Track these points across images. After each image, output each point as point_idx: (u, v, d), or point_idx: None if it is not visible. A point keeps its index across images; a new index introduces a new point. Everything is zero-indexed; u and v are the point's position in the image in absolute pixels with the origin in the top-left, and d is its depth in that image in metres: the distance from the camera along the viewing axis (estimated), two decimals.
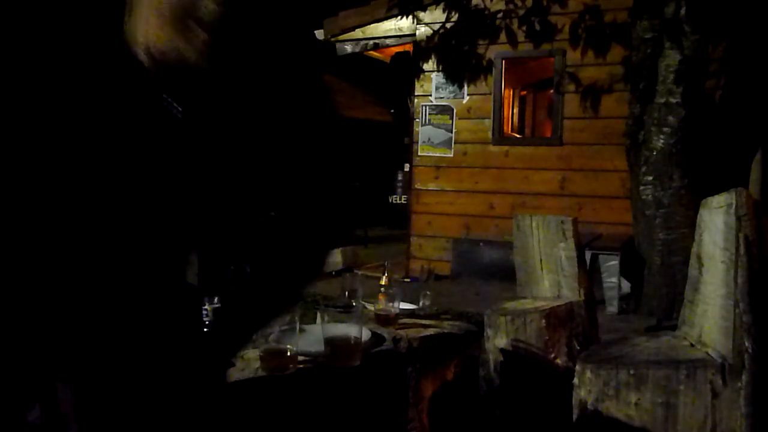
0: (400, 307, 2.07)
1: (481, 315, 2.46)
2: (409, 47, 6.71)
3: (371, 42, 6.75)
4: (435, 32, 6.24)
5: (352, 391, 1.73)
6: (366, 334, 1.75)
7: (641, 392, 1.72)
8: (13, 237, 0.71)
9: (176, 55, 0.72)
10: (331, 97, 0.94)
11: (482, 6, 5.90)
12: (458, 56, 6.20)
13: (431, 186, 6.50)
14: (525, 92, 8.51)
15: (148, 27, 0.73)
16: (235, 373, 1.49)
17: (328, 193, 0.93)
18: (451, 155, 6.38)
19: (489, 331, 2.45)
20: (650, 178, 4.52)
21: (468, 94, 6.35)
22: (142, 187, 0.78)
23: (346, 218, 0.98)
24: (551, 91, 6.20)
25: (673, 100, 4.39)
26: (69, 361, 0.84)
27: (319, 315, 1.79)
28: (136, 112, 0.76)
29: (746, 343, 1.65)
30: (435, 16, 6.23)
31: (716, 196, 1.83)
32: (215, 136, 0.82)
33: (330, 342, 1.60)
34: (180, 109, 0.77)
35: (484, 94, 6.26)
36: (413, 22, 6.37)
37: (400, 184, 10.18)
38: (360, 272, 5.75)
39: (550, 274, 2.72)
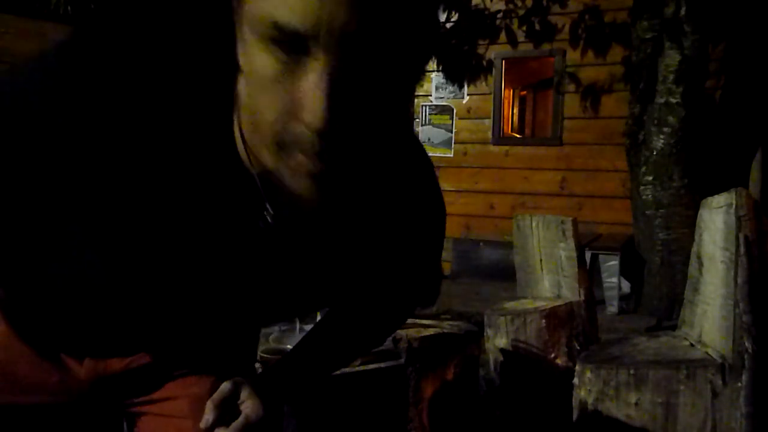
0: None
1: (481, 315, 2.46)
2: None
3: None
4: None
5: (352, 391, 1.73)
6: None
7: (641, 392, 1.72)
8: None
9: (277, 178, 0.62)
10: None
11: (482, 6, 5.90)
12: (458, 56, 6.19)
13: None
14: (525, 92, 8.50)
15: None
16: None
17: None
18: (451, 155, 6.38)
19: (489, 331, 2.44)
20: (650, 178, 4.52)
21: (468, 94, 6.34)
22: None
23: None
24: (551, 91, 6.20)
25: (673, 100, 4.39)
26: None
27: (319, 315, 1.79)
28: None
29: (746, 343, 1.65)
30: None
31: (716, 196, 1.83)
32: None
33: None
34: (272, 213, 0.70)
35: (484, 94, 6.26)
36: None
37: None
38: None
39: (550, 274, 2.72)
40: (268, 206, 0.70)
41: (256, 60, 0.56)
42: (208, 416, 0.80)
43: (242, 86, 0.63)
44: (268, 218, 0.70)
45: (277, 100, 0.56)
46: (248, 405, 0.83)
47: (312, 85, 0.53)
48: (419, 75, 0.61)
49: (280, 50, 0.54)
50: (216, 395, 0.83)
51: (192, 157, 0.67)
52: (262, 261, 0.76)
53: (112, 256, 0.75)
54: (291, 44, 0.53)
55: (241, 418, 0.82)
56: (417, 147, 0.84)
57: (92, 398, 0.91)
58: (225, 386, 0.84)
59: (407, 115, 0.71)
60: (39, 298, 0.84)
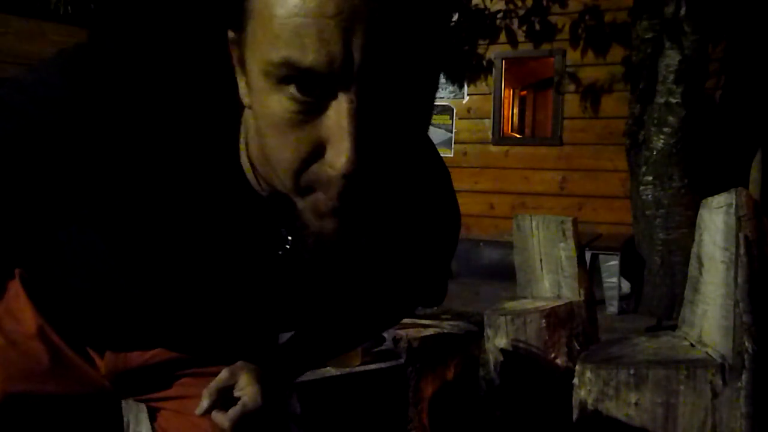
0: None
1: (481, 315, 2.46)
2: None
3: None
4: None
5: (352, 391, 1.73)
6: None
7: (641, 392, 1.72)
8: None
9: None
10: None
11: (482, 6, 5.90)
12: (458, 56, 6.19)
13: None
14: (525, 92, 8.50)
15: None
16: None
17: None
18: (451, 155, 6.38)
19: (489, 331, 2.44)
20: (650, 178, 4.52)
21: (468, 94, 6.35)
22: None
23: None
24: (551, 91, 6.20)
25: (673, 100, 4.39)
26: None
27: None
28: None
29: (746, 343, 1.65)
30: None
31: (716, 196, 1.83)
32: None
33: None
34: None
35: (484, 94, 6.26)
36: None
37: None
38: None
39: (550, 274, 2.72)
40: (283, 231, 0.67)
41: (271, 104, 0.53)
42: (203, 402, 0.81)
43: (250, 119, 0.61)
44: (286, 245, 0.68)
45: (296, 141, 0.53)
46: (246, 393, 0.83)
47: (336, 124, 0.50)
48: (437, 88, 0.58)
49: (297, 91, 0.51)
50: (213, 383, 0.83)
51: (193, 176, 0.66)
52: (278, 282, 0.76)
53: (120, 257, 0.75)
54: (308, 83, 0.50)
55: (238, 406, 0.82)
56: (434, 155, 0.82)
57: (111, 391, 0.91)
58: (223, 374, 0.84)
59: (427, 130, 0.67)
60: (57, 284, 0.84)
